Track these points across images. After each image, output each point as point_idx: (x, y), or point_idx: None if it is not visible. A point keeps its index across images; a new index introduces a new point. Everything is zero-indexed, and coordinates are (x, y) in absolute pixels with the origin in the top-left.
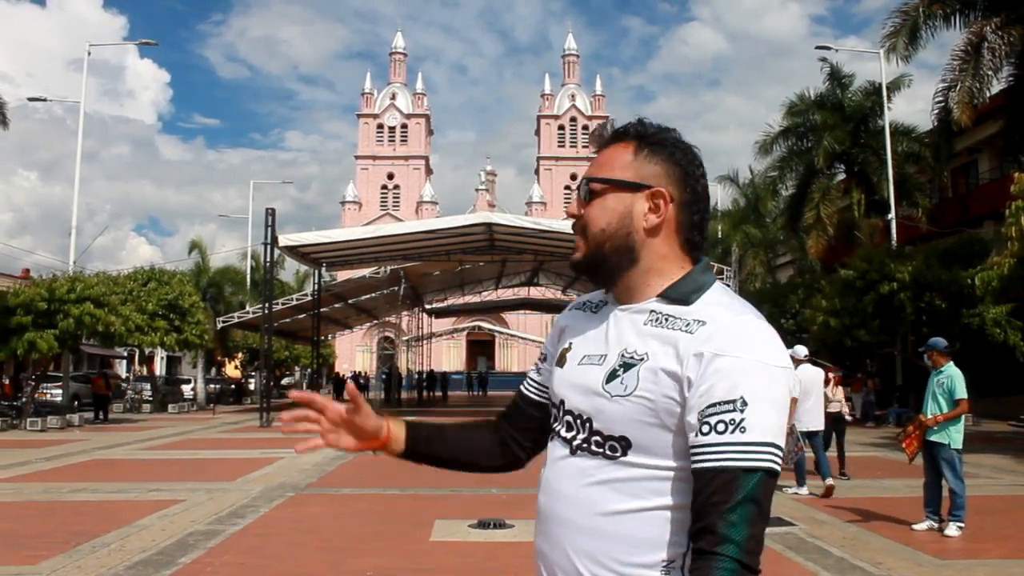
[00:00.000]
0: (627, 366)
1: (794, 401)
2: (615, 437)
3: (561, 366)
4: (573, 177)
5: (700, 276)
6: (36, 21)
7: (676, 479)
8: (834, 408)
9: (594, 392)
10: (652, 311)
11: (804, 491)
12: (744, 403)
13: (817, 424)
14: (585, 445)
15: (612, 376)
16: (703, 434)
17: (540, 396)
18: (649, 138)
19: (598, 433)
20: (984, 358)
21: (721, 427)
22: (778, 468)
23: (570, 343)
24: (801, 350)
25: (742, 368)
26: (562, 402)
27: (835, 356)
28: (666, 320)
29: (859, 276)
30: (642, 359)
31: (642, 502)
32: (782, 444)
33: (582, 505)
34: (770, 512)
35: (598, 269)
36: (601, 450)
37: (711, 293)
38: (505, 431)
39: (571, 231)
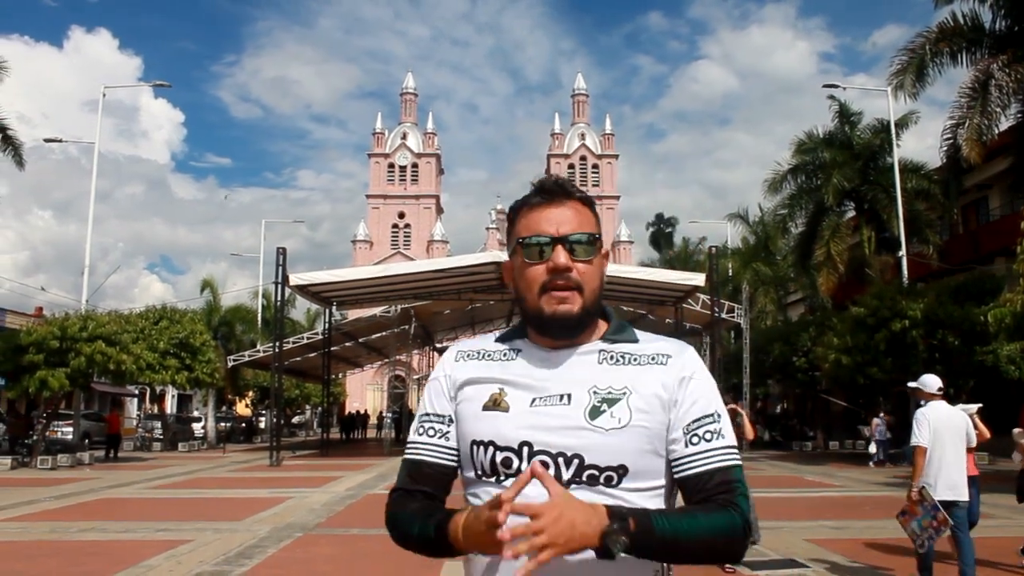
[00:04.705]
0: (610, 401)
1: (921, 451)
2: (613, 467)
3: (498, 410)
4: None
5: (617, 319)
6: (53, 63)
7: (655, 496)
8: None
9: (579, 428)
10: (601, 351)
11: None
12: (719, 415)
13: (959, 492)
14: (578, 479)
15: (596, 412)
16: (692, 444)
17: (452, 461)
18: (589, 197)
19: (593, 467)
20: (998, 395)
21: (709, 436)
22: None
23: (500, 389)
24: (933, 381)
25: (709, 387)
26: (525, 444)
27: (847, 394)
28: (623, 357)
29: (870, 313)
30: (624, 392)
31: None
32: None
33: None
34: None
35: (584, 322)
36: (597, 482)
37: (640, 332)
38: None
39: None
